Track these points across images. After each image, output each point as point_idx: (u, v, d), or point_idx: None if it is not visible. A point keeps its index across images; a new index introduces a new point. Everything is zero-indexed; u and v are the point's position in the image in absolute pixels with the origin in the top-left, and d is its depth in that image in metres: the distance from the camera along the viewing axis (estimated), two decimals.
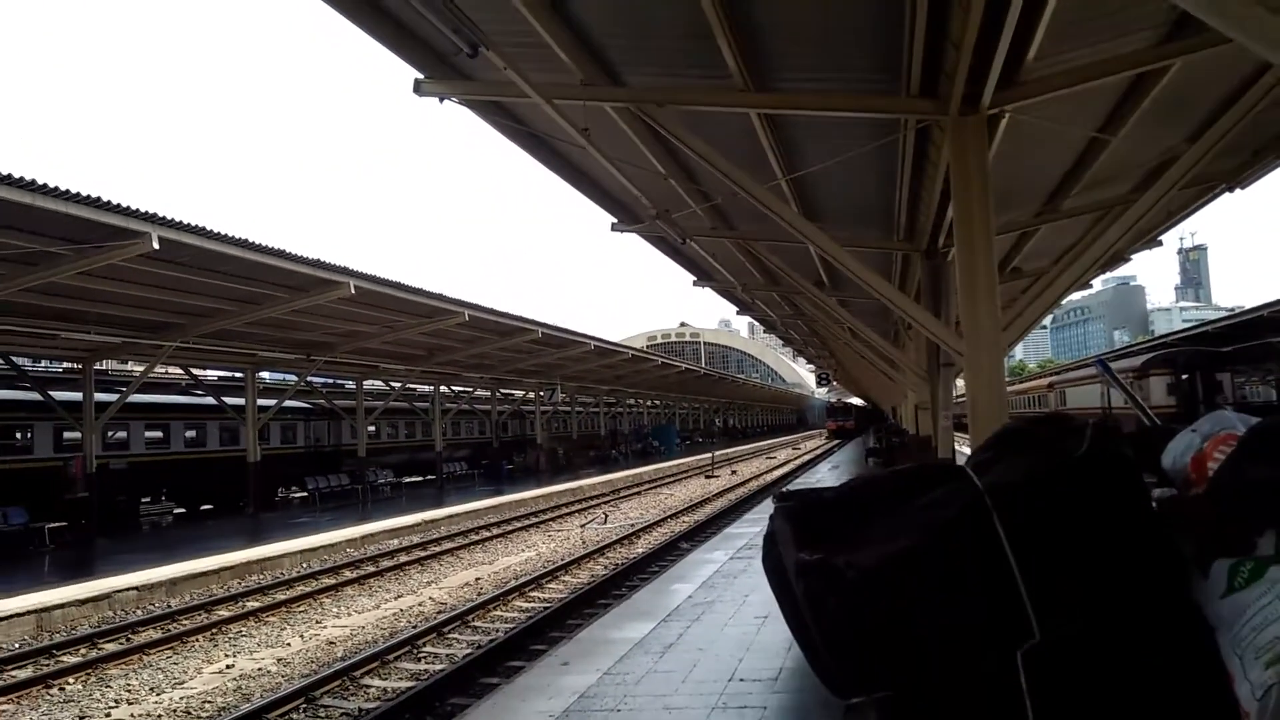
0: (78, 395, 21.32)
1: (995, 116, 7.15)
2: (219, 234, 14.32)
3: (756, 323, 34.58)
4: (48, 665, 10.41)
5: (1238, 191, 10.57)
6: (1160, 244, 15.11)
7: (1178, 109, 8.22)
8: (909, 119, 7.94)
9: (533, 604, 13.35)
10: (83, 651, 11.04)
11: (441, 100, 8.07)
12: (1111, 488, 1.57)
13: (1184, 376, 26.45)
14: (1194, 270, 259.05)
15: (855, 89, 7.87)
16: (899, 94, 7.44)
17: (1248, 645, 1.36)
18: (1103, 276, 29.95)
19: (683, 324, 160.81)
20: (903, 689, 1.52)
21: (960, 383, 19.51)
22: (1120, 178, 10.23)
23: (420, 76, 7.92)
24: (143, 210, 12.91)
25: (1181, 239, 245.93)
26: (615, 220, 13.18)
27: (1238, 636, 1.39)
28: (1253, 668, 1.34)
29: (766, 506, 22.12)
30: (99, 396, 21.65)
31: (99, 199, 12.20)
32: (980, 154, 6.87)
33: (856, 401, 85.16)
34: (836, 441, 72.71)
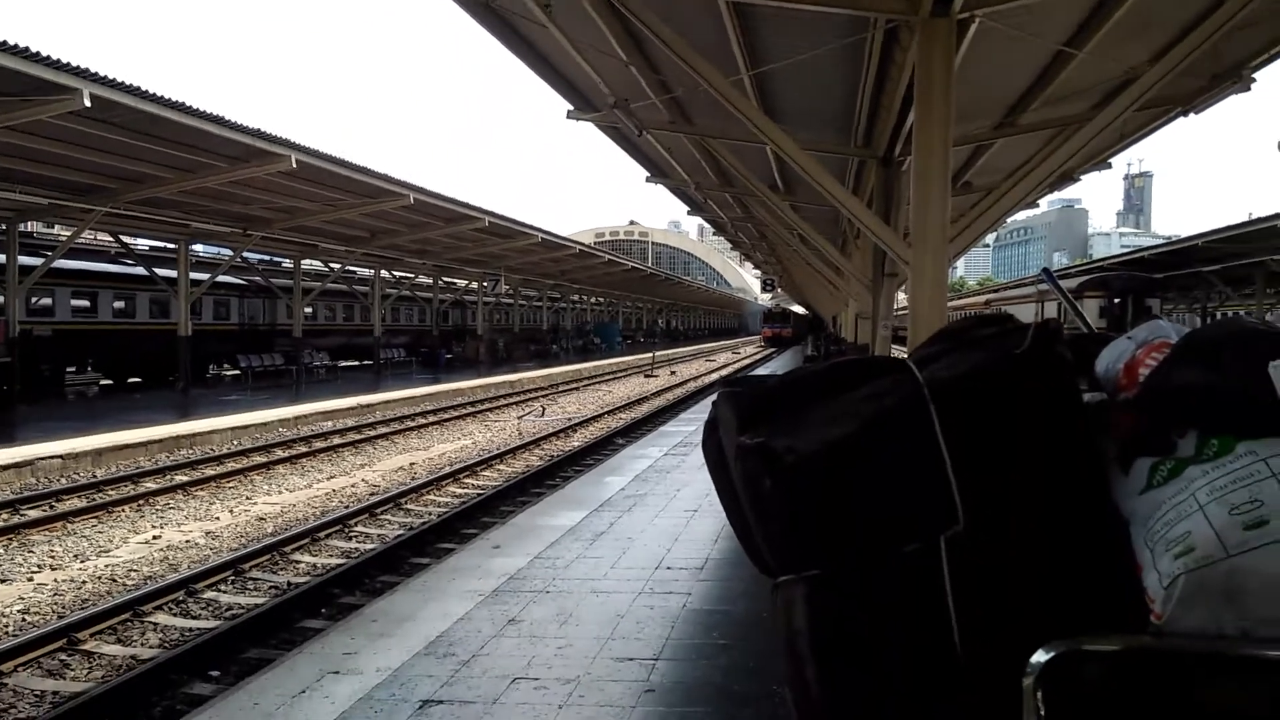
0: (0, 257, 20.39)
1: (965, 21, 7.03)
2: (155, 95, 13.58)
3: (706, 224, 34.41)
4: None
5: (1191, 117, 10.65)
6: (1109, 166, 15.27)
7: (1144, 27, 8.17)
8: (879, 18, 7.76)
9: (466, 490, 13.48)
10: (4, 517, 10.86)
11: None
12: (1047, 386, 1.59)
13: (1116, 300, 27.25)
14: (1137, 197, 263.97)
15: None
16: None
17: (1159, 538, 1.41)
18: (1049, 197, 30.32)
19: (632, 222, 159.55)
20: (830, 568, 1.55)
21: (901, 296, 19.75)
22: (1080, 95, 10.22)
23: None
24: (75, 65, 12.16)
25: (1129, 164, 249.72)
26: (571, 108, 12.79)
27: (1151, 530, 1.43)
28: (1162, 558, 1.39)
29: (701, 408, 22.52)
30: (23, 260, 20.76)
31: (27, 49, 11.47)
32: (947, 59, 6.77)
33: (798, 309, 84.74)
34: (773, 350, 70.64)
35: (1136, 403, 1.61)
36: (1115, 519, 1.53)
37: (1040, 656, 1.33)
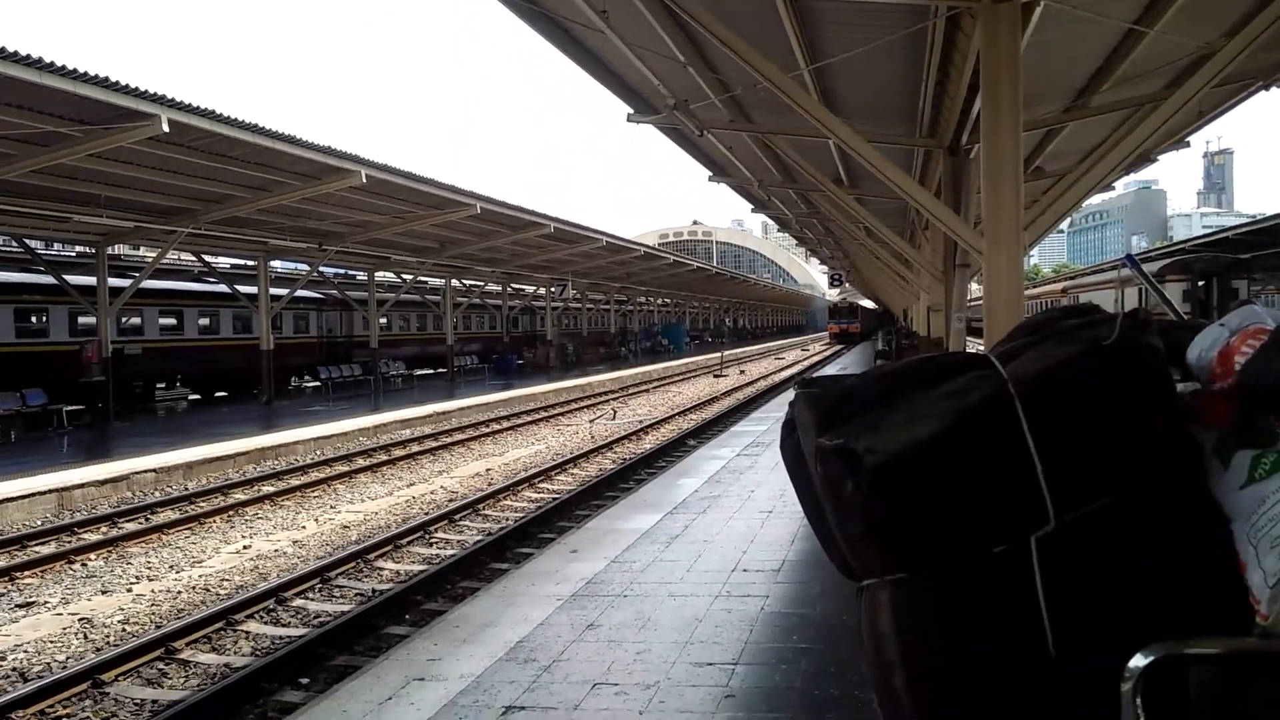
0: (91, 280, 21.37)
1: (1029, 4, 6.86)
2: (229, 118, 14.07)
3: (770, 221, 34.20)
4: (70, 542, 10.73)
5: (1273, 90, 10.20)
6: (1188, 145, 14.74)
7: (1216, 1, 7.86)
8: (940, 6, 7.63)
9: (542, 495, 13.62)
10: (103, 530, 11.38)
11: None
12: (1138, 378, 1.54)
13: (1200, 283, 26.14)
14: (1218, 175, 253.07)
15: None
16: None
17: (1264, 535, 1.35)
18: (1124, 179, 29.37)
19: (695, 222, 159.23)
20: (916, 571, 1.52)
21: (975, 286, 19.31)
22: (1153, 74, 9.88)
23: None
24: (152, 92, 12.67)
25: (1208, 142, 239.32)
26: (631, 111, 12.85)
27: (1255, 526, 1.38)
28: (1267, 556, 1.33)
29: (773, 406, 22.36)
30: (112, 281, 21.72)
31: (107, 79, 11.96)
32: (1013, 43, 6.62)
33: (866, 303, 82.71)
34: (840, 347, 66.67)
35: (1234, 392, 1.55)
36: (1216, 515, 1.47)
37: (1139, 661, 1.28)
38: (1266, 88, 10.24)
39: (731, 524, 8.79)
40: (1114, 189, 22.76)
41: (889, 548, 1.55)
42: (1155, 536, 1.47)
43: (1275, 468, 1.40)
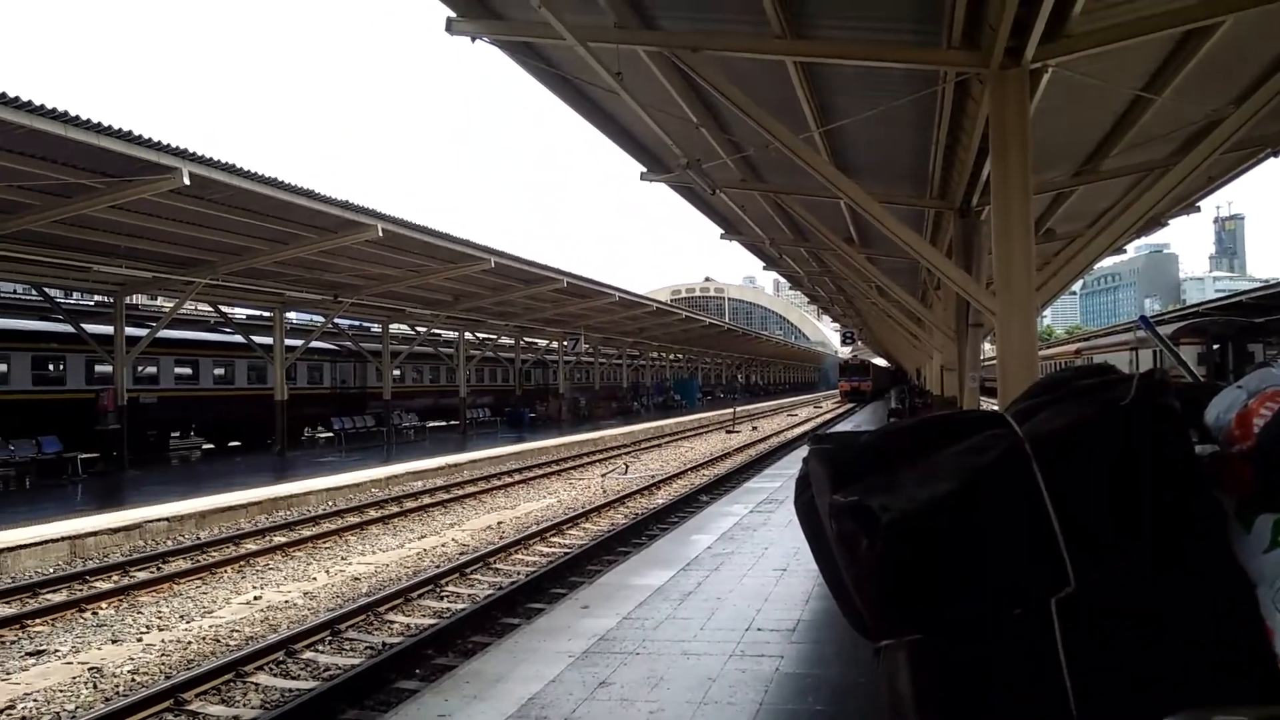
0: (109, 329, 21.63)
1: (1037, 71, 6.99)
2: (249, 172, 14.36)
3: (782, 279, 34.37)
4: (81, 590, 10.71)
5: None
6: (1198, 210, 14.84)
7: (1226, 69, 8.00)
8: (949, 71, 7.78)
9: (553, 549, 13.53)
10: (115, 578, 11.35)
11: (473, 40, 7.99)
12: (1156, 439, 1.55)
13: (1215, 346, 26.05)
14: (1229, 240, 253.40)
15: (895, 39, 7.71)
16: (939, 45, 7.28)
17: None
18: (1136, 243, 29.40)
19: (707, 279, 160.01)
20: (933, 632, 1.52)
21: (988, 346, 19.28)
22: (1162, 140, 10.00)
23: (452, 14, 7.84)
24: (174, 145, 12.97)
25: (1219, 207, 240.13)
26: (644, 169, 13.06)
27: (1279, 591, 1.38)
28: None
29: (785, 463, 22.25)
30: (129, 331, 21.96)
31: (130, 133, 12.26)
32: (1021, 109, 6.73)
33: (879, 361, 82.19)
34: (851, 405, 65.48)
35: (1253, 455, 1.56)
36: (1240, 579, 1.47)
37: None
38: (1275, 154, 10.35)
39: (745, 581, 8.70)
40: (1126, 252, 22.76)
41: (905, 607, 1.55)
42: (1179, 600, 1.47)
43: None
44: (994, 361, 8.00)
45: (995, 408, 2.00)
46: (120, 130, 12.10)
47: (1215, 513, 1.54)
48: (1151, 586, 1.46)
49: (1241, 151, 10.42)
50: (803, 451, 1.84)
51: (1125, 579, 1.46)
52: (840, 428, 37.07)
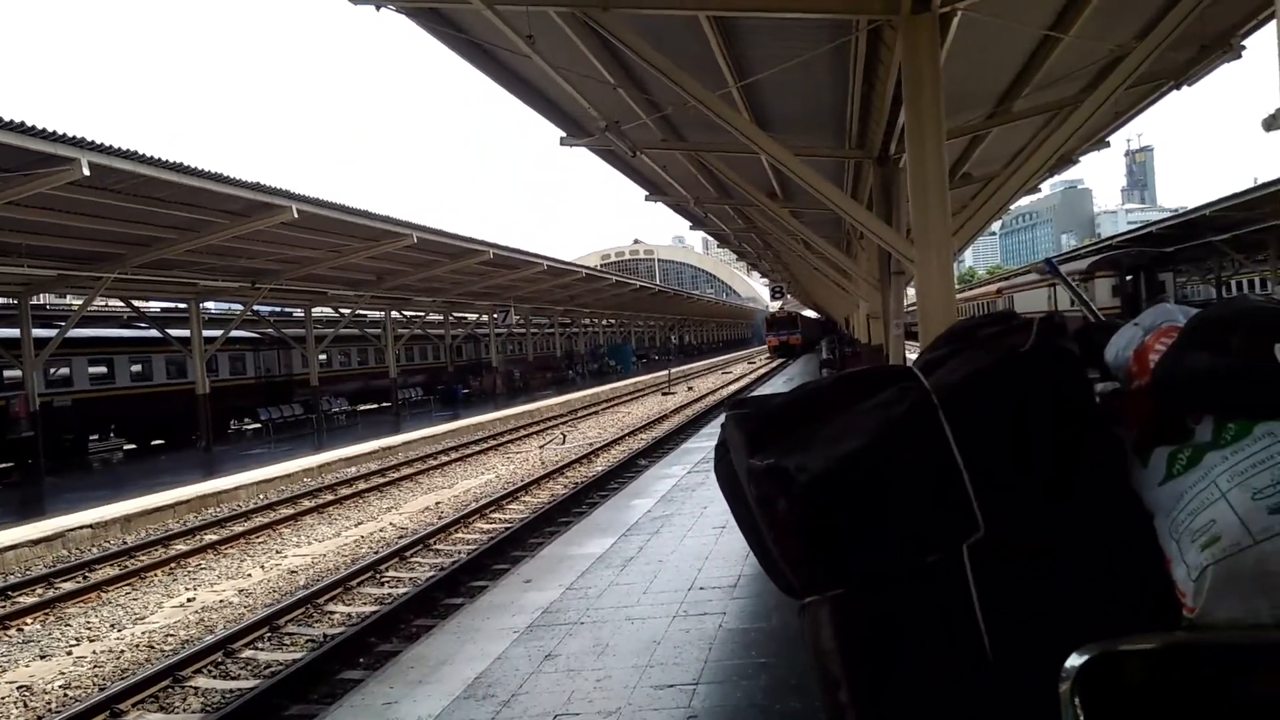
0: (15, 332, 20.66)
1: (947, 15, 7.03)
2: (152, 158, 13.76)
3: (710, 238, 34.49)
4: (4, 606, 10.29)
5: (1185, 89, 10.60)
6: (1108, 145, 15.21)
7: (1127, 4, 8.16)
8: (860, 19, 7.77)
9: (494, 525, 13.47)
10: (39, 592, 10.94)
11: (378, 8, 7.70)
12: (1056, 381, 1.57)
13: (1128, 277, 27.03)
14: (1140, 172, 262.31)
15: None
16: None
17: (1184, 529, 1.38)
18: (1050, 180, 30.22)
19: (636, 241, 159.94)
20: (853, 586, 1.53)
21: (911, 292, 19.74)
22: (1070, 78, 10.19)
23: None
24: (70, 135, 12.33)
25: (1129, 140, 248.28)
26: (564, 134, 12.87)
27: (1175, 521, 1.41)
28: (1189, 550, 1.36)
29: (722, 421, 22.31)
30: (37, 332, 21.01)
31: (23, 124, 11.64)
32: (932, 54, 6.76)
33: (809, 313, 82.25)
34: (781, 360, 63.07)
35: (1149, 390, 1.58)
36: (1138, 512, 1.50)
37: (1075, 660, 1.30)
38: (1178, 87, 10.63)
39: (686, 542, 8.79)
40: (1041, 190, 23.39)
41: (825, 564, 1.55)
42: (1083, 537, 1.50)
43: (1191, 463, 1.43)
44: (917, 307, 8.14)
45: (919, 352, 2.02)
46: (11, 122, 11.47)
47: (1113, 448, 1.56)
48: (1052, 525, 1.49)
49: (1147, 85, 10.68)
50: (723, 418, 1.83)
51: (1028, 520, 1.49)
52: (772, 383, 37.62)
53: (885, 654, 1.54)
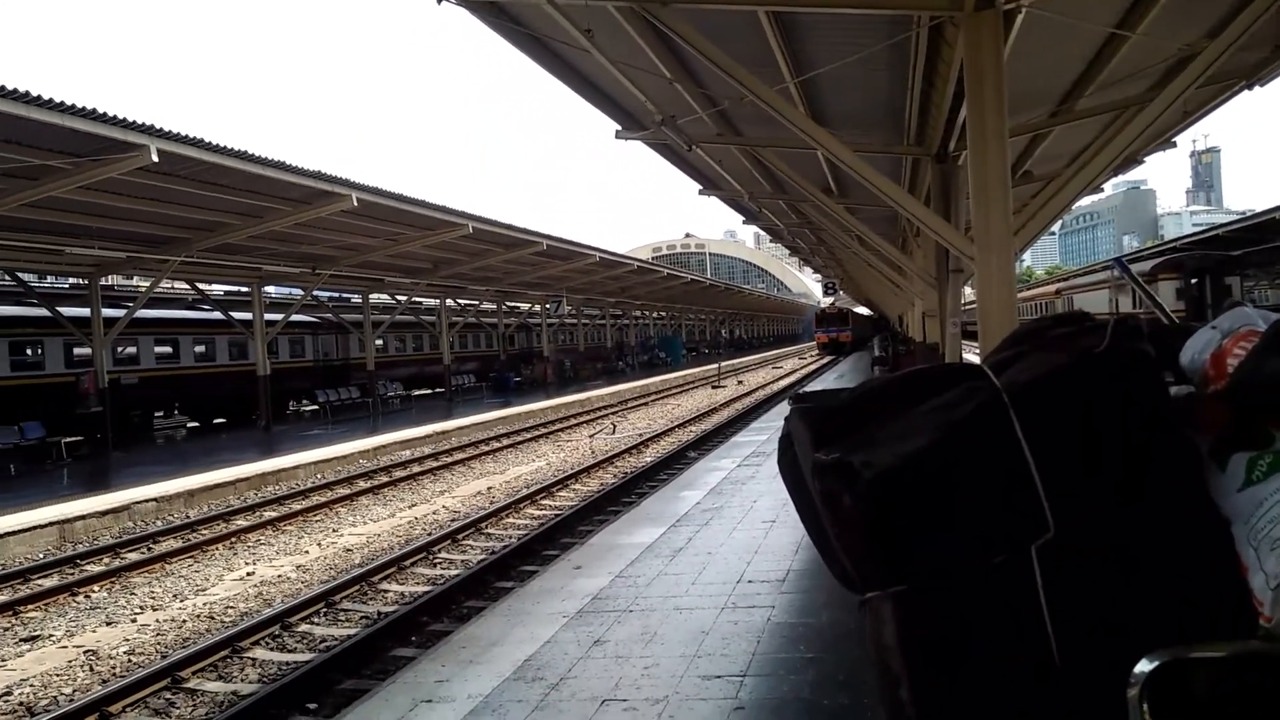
0: (86, 311, 21.38)
1: (1011, 12, 6.91)
2: (218, 146, 14.12)
3: (763, 232, 34.29)
4: (72, 574, 10.69)
5: (1256, 89, 10.28)
6: (1174, 145, 14.82)
7: (1199, 2, 7.94)
8: (922, 15, 7.69)
9: (544, 511, 13.61)
10: (106, 561, 11.34)
11: (439, 1, 7.81)
12: (1131, 384, 1.55)
13: (1193, 280, 26.24)
14: (1206, 173, 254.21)
15: None
16: None
17: (1264, 537, 1.37)
18: (1113, 180, 29.43)
19: (688, 235, 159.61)
20: (917, 583, 1.54)
21: (968, 290, 19.42)
22: (1137, 76, 9.95)
23: None
24: (140, 122, 12.72)
25: (1195, 141, 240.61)
26: (619, 128, 12.91)
27: (1254, 528, 1.39)
28: (1268, 559, 1.35)
29: (772, 416, 22.36)
30: (107, 312, 21.74)
31: (95, 111, 12.01)
32: (995, 51, 6.67)
33: (861, 310, 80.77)
34: (831, 358, 60.18)
35: (1227, 395, 1.57)
36: (1216, 518, 1.48)
37: (1144, 666, 1.29)
38: (1249, 87, 10.32)
39: (735, 535, 8.79)
40: (1103, 190, 22.77)
41: (889, 560, 1.56)
42: (1156, 542, 1.48)
43: (1271, 469, 1.41)
44: (975, 306, 8.02)
45: (977, 352, 2.01)
46: (84, 109, 11.85)
47: (1190, 453, 1.55)
48: (1130, 530, 1.47)
49: (1216, 85, 10.38)
50: (787, 406, 1.84)
51: (1100, 523, 1.48)
52: (824, 380, 37.29)
53: (948, 652, 1.54)
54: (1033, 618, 1.46)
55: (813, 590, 6.69)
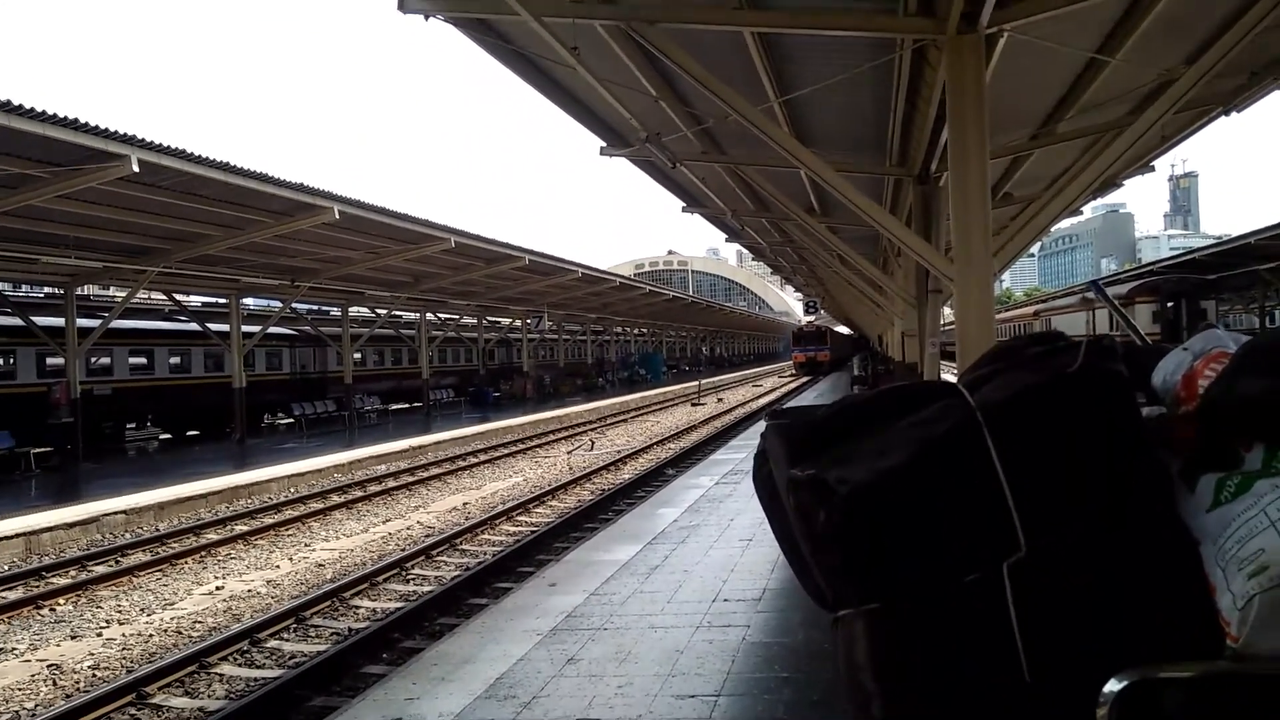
0: (60, 321, 21.12)
1: (993, 36, 7.00)
2: (200, 156, 14.02)
3: (746, 250, 34.45)
4: (38, 587, 10.50)
5: (1233, 115, 10.45)
6: (1153, 169, 15.02)
7: (1177, 29, 8.07)
8: (905, 39, 7.77)
9: (520, 528, 13.52)
10: (72, 574, 11.14)
11: (427, 18, 7.82)
12: (1103, 404, 1.55)
13: (1169, 304, 26.60)
14: (1184, 198, 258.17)
15: (852, 7, 7.68)
16: (896, 13, 7.27)
17: (1231, 557, 1.36)
18: (1092, 203, 29.83)
19: (671, 252, 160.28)
20: (890, 600, 1.52)
21: (948, 311, 19.61)
22: (1116, 101, 10.10)
23: None
24: (122, 132, 12.60)
25: (1173, 165, 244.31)
26: (604, 144, 12.95)
27: (1222, 549, 1.39)
28: (1235, 579, 1.34)
29: (751, 434, 22.38)
30: (81, 322, 21.46)
31: (76, 120, 11.89)
32: (977, 75, 6.74)
33: (842, 329, 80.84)
34: (808, 378, 58.63)
35: (1198, 416, 1.57)
36: (1184, 538, 1.48)
37: (1114, 685, 1.28)
38: (1226, 113, 10.49)
39: (711, 553, 8.76)
40: (1082, 213, 23.03)
41: (862, 577, 1.55)
42: (1124, 561, 1.48)
43: (1240, 490, 1.41)
44: (954, 326, 8.08)
45: (955, 373, 2.01)
46: (66, 118, 11.73)
47: (1161, 474, 1.55)
48: (1097, 549, 1.47)
49: (1194, 110, 10.55)
50: (764, 426, 1.83)
51: (1072, 542, 1.47)
52: (802, 398, 37.41)
53: (919, 670, 1.53)
54: (1003, 635, 1.45)
55: (788, 610, 6.66)
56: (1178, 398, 1.66)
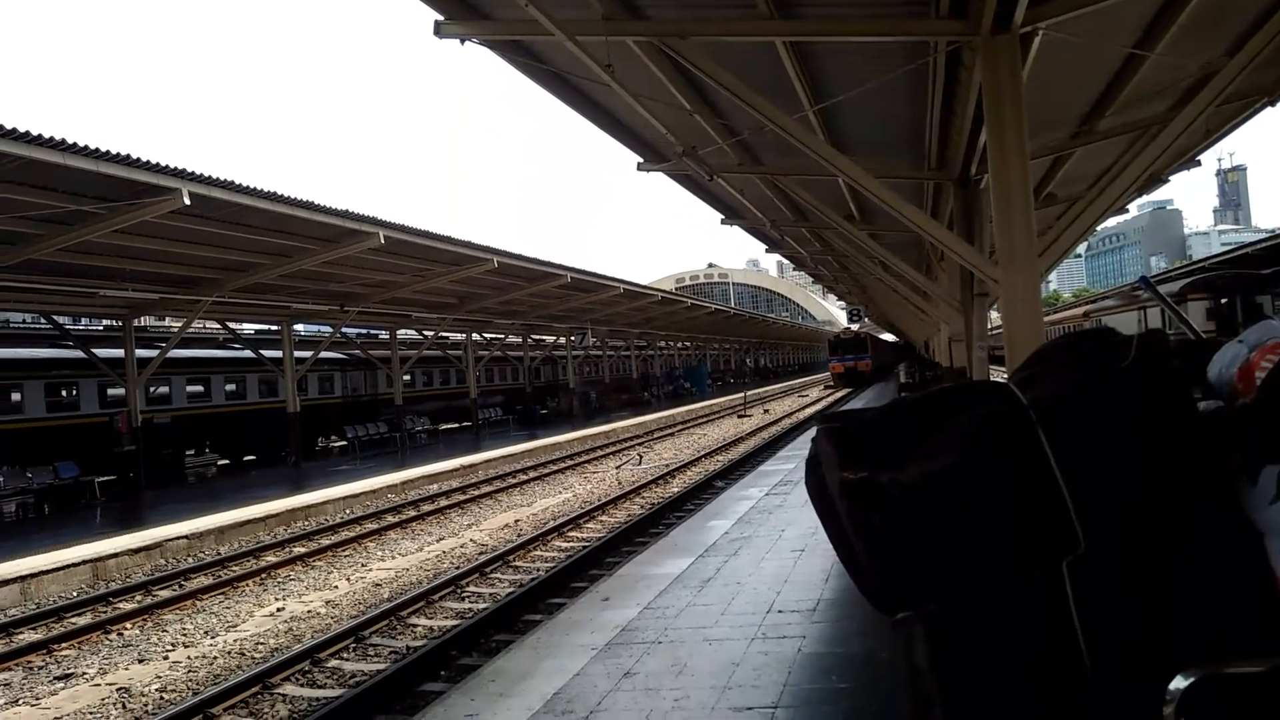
0: (119, 352, 21.75)
1: (1028, 35, 6.94)
2: (248, 187, 14.40)
3: (786, 260, 34.32)
4: (105, 612, 10.80)
5: (1278, 106, 10.21)
6: (1199, 164, 14.69)
7: (1217, 20, 7.93)
8: (939, 41, 7.73)
9: (572, 543, 13.57)
10: (138, 598, 11.43)
11: (463, 42, 7.97)
12: (1158, 398, 1.54)
13: (1223, 300, 25.88)
14: (1233, 192, 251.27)
15: (883, 12, 7.67)
16: (928, 16, 7.24)
17: None
18: (1138, 200, 29.25)
19: (711, 264, 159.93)
20: (949, 602, 1.52)
21: (994, 314, 19.32)
22: (1157, 96, 9.92)
23: (440, 18, 7.82)
24: (173, 166, 13.00)
25: (1220, 159, 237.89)
26: (641, 159, 13.04)
27: None
28: None
29: (799, 444, 22.24)
30: (140, 352, 22.07)
31: (129, 156, 12.29)
32: (1013, 75, 6.69)
33: (886, 336, 79.10)
34: (848, 390, 53.22)
35: (1256, 408, 1.55)
36: (1248, 532, 1.47)
37: (1180, 683, 1.27)
38: (1272, 103, 10.26)
39: (764, 565, 8.72)
40: (1128, 211, 22.60)
41: (920, 579, 1.54)
42: (1186, 557, 1.47)
43: None
44: (1001, 330, 7.98)
45: (1004, 375, 2.00)
46: (119, 155, 12.12)
47: (1220, 468, 1.53)
48: (1160, 543, 1.46)
49: (1239, 102, 10.33)
50: (814, 432, 1.83)
51: (1129, 535, 1.46)
52: (850, 405, 37.04)
53: (981, 672, 1.52)
54: (1066, 634, 1.44)
55: (844, 620, 6.61)
56: (1234, 390, 1.64)
